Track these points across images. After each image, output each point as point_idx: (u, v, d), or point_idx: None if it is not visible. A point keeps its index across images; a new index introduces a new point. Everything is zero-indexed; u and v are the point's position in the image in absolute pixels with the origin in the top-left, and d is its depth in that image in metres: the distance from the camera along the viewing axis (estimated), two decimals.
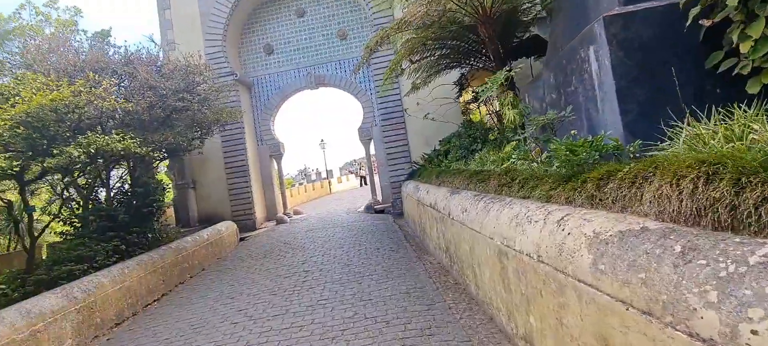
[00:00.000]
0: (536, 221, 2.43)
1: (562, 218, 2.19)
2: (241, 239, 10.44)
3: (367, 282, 4.68)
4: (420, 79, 9.19)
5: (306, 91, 13.41)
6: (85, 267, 5.32)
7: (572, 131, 2.98)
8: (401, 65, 7.71)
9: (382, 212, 11.68)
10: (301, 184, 29.43)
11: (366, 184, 34.09)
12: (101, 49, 6.88)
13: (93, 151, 4.72)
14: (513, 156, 4.39)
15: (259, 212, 12.33)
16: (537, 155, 4.11)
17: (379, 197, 12.80)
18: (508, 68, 4.42)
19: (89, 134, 4.70)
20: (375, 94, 11.68)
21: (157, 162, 8.79)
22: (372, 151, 13.09)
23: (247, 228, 11.60)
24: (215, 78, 9.61)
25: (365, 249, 6.55)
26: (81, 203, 6.65)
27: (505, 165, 4.47)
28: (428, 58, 8.17)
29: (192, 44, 11.23)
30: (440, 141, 10.38)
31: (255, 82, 13.11)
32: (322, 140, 29.31)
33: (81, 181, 6.51)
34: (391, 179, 11.14)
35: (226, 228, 9.75)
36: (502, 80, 4.32)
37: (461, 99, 10.77)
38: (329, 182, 25.56)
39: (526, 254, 2.45)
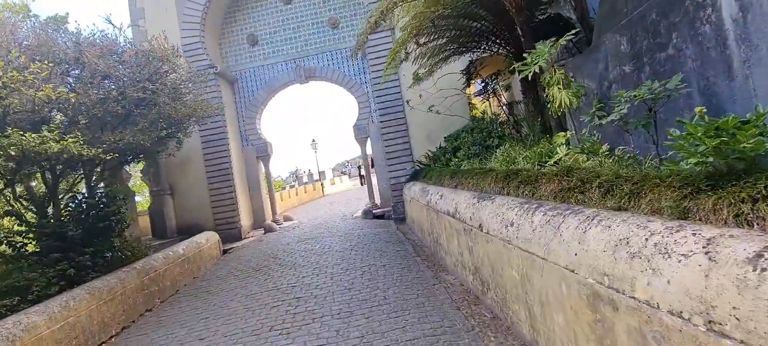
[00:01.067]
0: (684, 255, 1.46)
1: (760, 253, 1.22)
2: (225, 252, 9.35)
3: (377, 315, 3.68)
4: (424, 69, 8.21)
5: (295, 86, 12.35)
6: (15, 301, 4.22)
7: (698, 108, 2.01)
8: (405, 49, 6.70)
9: (381, 216, 10.68)
10: (292, 186, 28.28)
11: (364, 184, 33.15)
12: (51, 35, 5.76)
13: (15, 153, 3.65)
14: (564, 150, 3.44)
15: (245, 219, 11.22)
16: (598, 148, 3.16)
17: (378, 200, 11.79)
18: (551, 41, 3.46)
19: (11, 132, 3.61)
20: (372, 87, 10.67)
21: (120, 166, 7.65)
22: (369, 150, 12.08)
23: (231, 238, 10.49)
24: (192, 68, 8.50)
25: (369, 266, 5.55)
26: (24, 218, 5.52)
27: (552, 162, 3.51)
28: (436, 41, 7.19)
29: (166, 35, 10.10)
30: (446, 137, 9.43)
31: (238, 77, 12.00)
32: (313, 140, 28.20)
33: (19, 189, 5.38)
34: (392, 180, 10.15)
35: (207, 240, 8.65)
36: (550, 51, 3.36)
37: (469, 90, 9.82)
38: (322, 184, 24.47)
39: (670, 312, 1.47)
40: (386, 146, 10.19)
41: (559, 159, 3.45)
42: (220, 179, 10.71)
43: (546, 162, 4.07)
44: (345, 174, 36.67)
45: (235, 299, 5.09)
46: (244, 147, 11.96)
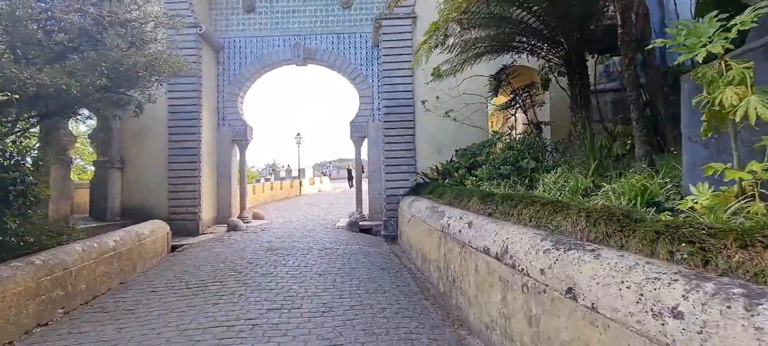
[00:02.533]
0: None
1: None
2: (174, 249, 7.64)
3: None
4: (448, 65, 6.92)
5: (290, 67, 10.84)
6: None
7: None
8: (445, 30, 5.36)
9: (369, 231, 9.22)
10: (267, 180, 26.37)
11: (352, 186, 31.08)
12: None
13: None
14: (705, 190, 2.15)
15: (207, 211, 9.52)
16: None
17: (365, 211, 10.34)
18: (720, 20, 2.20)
19: None
20: (380, 81, 9.29)
21: (46, 120, 5.93)
22: (363, 153, 10.66)
23: (186, 232, 8.78)
24: (167, 15, 6.88)
25: (362, 305, 4.08)
26: None
27: (691, 204, 2.22)
28: (472, 33, 5.91)
29: None
30: (458, 151, 8.12)
31: (226, 45, 10.40)
32: (298, 134, 26.49)
33: None
34: (388, 191, 8.73)
35: (152, 232, 6.95)
36: (730, 39, 2.07)
37: (496, 100, 8.59)
38: (300, 183, 22.76)
39: None
40: (386, 151, 8.79)
41: (713, 205, 2.15)
42: (183, 159, 9.01)
43: (658, 203, 2.77)
44: (325, 175, 34.93)
45: (163, 333, 3.50)
46: (219, 126, 10.30)
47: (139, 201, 9.02)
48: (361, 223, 9.22)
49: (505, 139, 7.22)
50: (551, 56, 6.09)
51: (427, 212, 6.01)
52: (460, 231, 4.35)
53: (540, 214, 3.23)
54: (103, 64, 4.54)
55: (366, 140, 10.33)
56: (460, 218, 4.58)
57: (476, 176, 6.50)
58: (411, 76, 8.80)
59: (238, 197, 10.52)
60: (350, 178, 32.82)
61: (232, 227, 9.12)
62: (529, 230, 3.15)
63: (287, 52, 10.34)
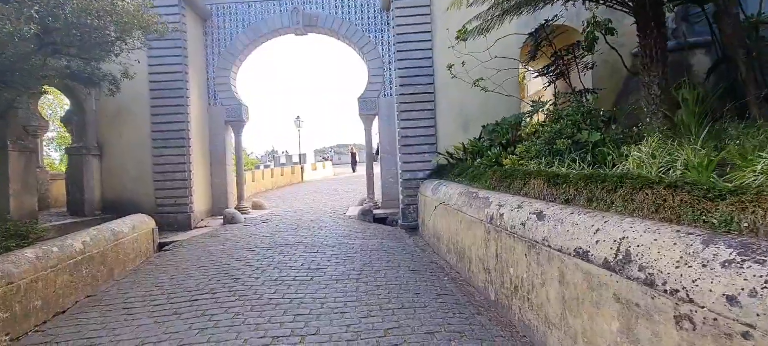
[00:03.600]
0: None
1: None
2: (162, 247, 6.65)
3: None
4: (480, 20, 5.77)
5: (288, 37, 9.66)
6: None
7: None
8: None
9: (384, 220, 8.22)
10: (266, 166, 25.34)
11: (355, 170, 29.87)
12: None
13: None
14: None
15: (200, 202, 8.50)
16: None
17: (378, 197, 9.32)
18: None
19: None
20: (394, 48, 8.11)
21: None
22: (375, 132, 9.57)
23: (177, 226, 7.78)
24: None
25: (403, 332, 3.06)
26: None
27: None
28: None
29: None
30: (486, 126, 7.03)
31: (214, 12, 9.19)
32: (297, 117, 25.27)
33: None
34: (405, 174, 7.67)
35: (133, 228, 5.93)
36: None
37: (533, 64, 7.45)
38: (302, 169, 21.71)
39: None
40: (402, 129, 7.69)
41: None
42: (170, 143, 7.93)
43: None
44: (327, 160, 33.83)
45: None
46: (210, 106, 9.19)
47: (121, 192, 7.99)
48: (374, 211, 8.20)
49: (548, 109, 6.11)
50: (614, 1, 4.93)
51: (462, 199, 4.98)
52: (523, 224, 3.31)
53: (676, 202, 2.18)
54: (51, 17, 3.40)
55: (377, 118, 9.23)
56: (519, 206, 3.54)
57: (517, 155, 5.43)
58: (430, 39, 7.64)
59: (235, 186, 9.48)
60: (354, 162, 31.70)
61: (229, 220, 8.11)
62: (665, 226, 2.10)
63: (284, 19, 9.14)
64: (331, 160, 35.91)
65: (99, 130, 8.00)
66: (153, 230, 6.54)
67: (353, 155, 32.80)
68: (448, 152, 7.21)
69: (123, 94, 7.77)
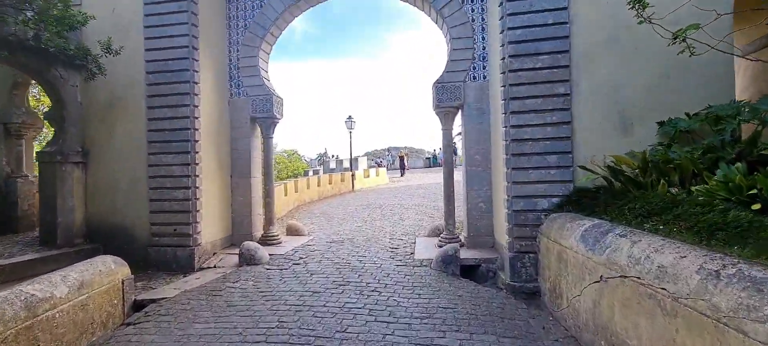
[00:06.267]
0: None
1: None
2: (140, 308, 4.39)
3: None
4: None
5: (333, 3, 7.13)
6: None
7: None
8: None
9: (474, 270, 5.35)
10: (316, 172, 23.50)
11: (404, 175, 27.42)
12: None
13: None
14: None
15: (213, 228, 6.25)
16: None
17: (464, 231, 6.48)
18: None
19: None
20: (489, 3, 5.23)
21: None
22: (457, 129, 6.78)
23: (176, 265, 5.58)
24: None
25: None
26: None
27: None
28: None
29: None
30: (665, 125, 3.93)
31: None
32: (349, 118, 23.09)
33: None
34: (516, 201, 4.72)
35: (77, 288, 3.69)
36: None
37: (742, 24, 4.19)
38: (353, 175, 19.43)
39: None
40: (513, 128, 4.76)
41: None
42: (170, 148, 5.77)
43: None
44: (381, 166, 31.44)
45: None
46: (231, 97, 6.96)
47: (109, 215, 5.98)
48: (460, 256, 5.35)
49: None
50: None
51: (703, 285, 1.99)
52: None
53: None
54: None
55: (460, 112, 6.40)
56: None
57: None
58: None
59: (261, 203, 7.17)
60: (402, 167, 29.11)
61: (248, 258, 5.73)
62: None
63: None
64: (387, 165, 33.55)
65: (86, 130, 6.07)
66: (122, 282, 4.29)
67: (402, 160, 30.28)
68: (609, 166, 4.17)
69: (115, 80, 5.77)
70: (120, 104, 5.94)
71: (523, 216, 4.67)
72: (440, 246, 6.06)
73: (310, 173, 23.26)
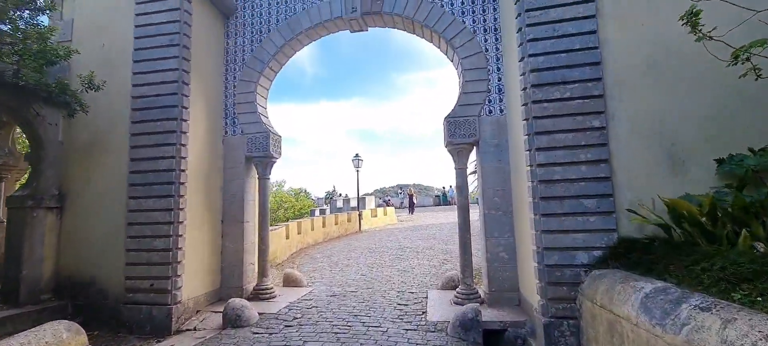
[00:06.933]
0: None
1: None
2: None
3: None
4: None
5: (341, 34, 6.83)
6: None
7: None
8: None
9: (499, 336, 4.50)
10: (322, 212, 22.84)
11: (412, 212, 26.62)
12: None
13: None
14: None
15: (197, 282, 5.54)
16: None
17: (485, 284, 5.69)
18: None
19: None
20: (502, 34, 4.72)
21: None
22: (470, 169, 6.12)
23: (150, 327, 4.86)
24: None
25: None
26: None
27: None
28: None
29: None
30: (730, 160, 3.22)
31: (241, 3, 6.72)
32: (357, 156, 22.71)
33: None
34: (549, 255, 3.97)
35: None
36: None
37: None
38: (359, 215, 18.69)
39: None
40: (541, 167, 4.09)
41: None
42: (152, 191, 5.19)
43: None
44: (389, 204, 30.65)
45: None
46: (226, 136, 6.47)
47: (83, 265, 5.33)
48: (481, 320, 4.52)
49: None
50: None
51: None
52: None
53: None
54: None
55: (475, 149, 5.78)
56: None
57: None
58: (592, 1, 4.17)
59: (255, 251, 6.47)
60: (412, 205, 28.27)
61: (232, 320, 4.96)
62: None
63: (335, 6, 6.32)
64: (394, 205, 32.75)
65: (66, 171, 5.56)
66: None
67: (411, 197, 29.51)
68: (679, 214, 3.42)
69: (100, 118, 5.32)
70: (102, 143, 5.46)
71: (559, 272, 3.90)
72: (457, 303, 5.24)
73: (317, 212, 22.59)
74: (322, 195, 45.91)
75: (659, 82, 3.94)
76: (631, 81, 4.03)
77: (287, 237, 11.36)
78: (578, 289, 3.79)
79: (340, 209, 24.27)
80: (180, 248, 5.12)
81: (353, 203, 25.39)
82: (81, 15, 5.83)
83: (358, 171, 21.54)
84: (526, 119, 4.30)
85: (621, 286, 3.19)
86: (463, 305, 5.14)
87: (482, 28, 5.79)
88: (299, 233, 12.52)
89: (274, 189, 23.79)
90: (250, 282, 6.30)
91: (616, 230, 3.84)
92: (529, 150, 4.24)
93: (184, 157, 5.28)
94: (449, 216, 21.88)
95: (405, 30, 6.40)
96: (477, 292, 5.38)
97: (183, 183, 5.24)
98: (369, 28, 6.57)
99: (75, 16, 5.85)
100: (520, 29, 4.48)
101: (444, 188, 38.20)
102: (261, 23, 6.61)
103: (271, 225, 15.69)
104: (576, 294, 3.80)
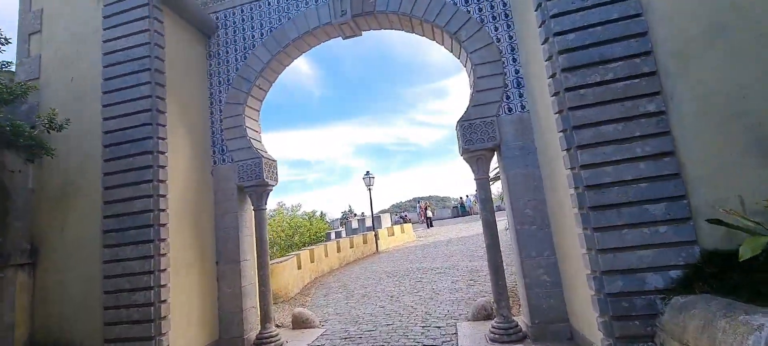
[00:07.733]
0: None
1: None
2: None
3: None
4: None
5: (331, 42, 6.20)
6: None
7: None
8: None
9: None
10: (337, 234, 22.07)
11: (431, 226, 25.70)
12: None
13: None
14: None
15: (187, 336, 4.81)
16: None
17: (524, 312, 4.80)
18: None
19: None
20: (516, 21, 3.98)
21: None
22: (493, 175, 5.29)
23: None
24: None
25: None
26: None
27: None
28: None
29: None
30: None
31: (222, 22, 6.17)
32: (367, 173, 21.98)
33: None
34: (612, 282, 3.10)
35: None
36: None
37: None
38: (376, 236, 17.84)
39: None
40: (585, 165, 3.26)
41: None
42: (128, 238, 4.53)
43: None
44: (406, 220, 29.73)
45: None
46: (214, 166, 5.83)
47: (57, 329, 4.68)
48: None
49: None
50: None
51: None
52: None
53: None
54: None
55: (496, 154, 4.96)
56: None
57: None
58: None
59: (256, 292, 5.73)
60: (428, 219, 27.28)
61: None
62: None
63: (323, 12, 5.69)
64: (411, 220, 31.80)
65: (37, 223, 4.99)
66: None
67: (426, 211, 28.55)
68: (729, 217, 2.55)
69: (70, 159, 4.74)
70: (75, 186, 4.87)
71: (626, 302, 3.02)
72: (494, 340, 4.37)
73: (332, 235, 21.81)
74: (339, 216, 45.23)
75: (734, 51, 3.10)
76: (692, 52, 3.20)
77: (299, 267, 10.62)
78: (656, 324, 2.90)
79: (355, 230, 23.47)
80: (164, 301, 4.43)
81: (369, 223, 24.57)
82: (49, 50, 5.35)
83: (369, 189, 20.82)
84: (559, 111, 3.50)
85: (723, 322, 2.31)
86: (501, 342, 4.26)
87: (490, 16, 5.05)
88: (312, 262, 11.77)
89: (289, 215, 23.23)
90: (253, 329, 5.55)
91: (697, 242, 2.96)
92: (568, 149, 3.42)
93: (163, 196, 4.63)
94: (471, 228, 20.82)
95: (403, 29, 5.72)
96: (517, 325, 4.49)
97: (164, 224, 4.57)
98: (363, 32, 5.91)
99: (43, 51, 5.38)
100: (539, 5, 3.72)
101: (461, 197, 36.96)
102: (245, 40, 6.03)
103: (286, 253, 14.98)
104: (653, 330, 2.91)
